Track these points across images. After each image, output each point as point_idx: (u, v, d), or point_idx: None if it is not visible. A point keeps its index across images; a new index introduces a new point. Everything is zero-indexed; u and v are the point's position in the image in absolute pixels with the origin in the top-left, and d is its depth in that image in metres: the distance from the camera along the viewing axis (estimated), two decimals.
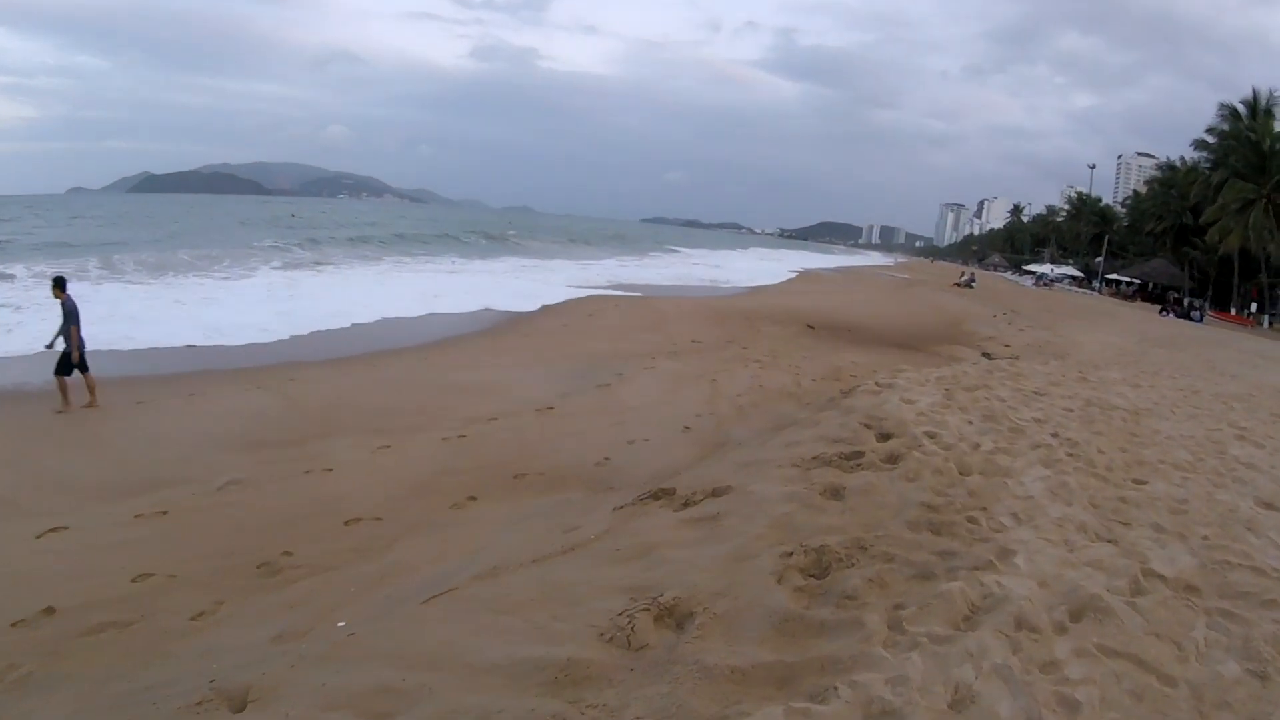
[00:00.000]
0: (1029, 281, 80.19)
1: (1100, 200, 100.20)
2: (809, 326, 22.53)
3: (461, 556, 5.88)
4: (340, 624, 4.71)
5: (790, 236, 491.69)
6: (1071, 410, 9.02)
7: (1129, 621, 3.97)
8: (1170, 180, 72.31)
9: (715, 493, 6.24)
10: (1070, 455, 7.01)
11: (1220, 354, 24.41)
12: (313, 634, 4.61)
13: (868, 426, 7.66)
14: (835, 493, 5.89)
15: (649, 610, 4.11)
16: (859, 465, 6.53)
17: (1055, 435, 7.65)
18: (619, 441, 9.55)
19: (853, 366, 16.50)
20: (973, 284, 57.00)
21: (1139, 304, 63.98)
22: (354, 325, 18.49)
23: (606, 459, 8.86)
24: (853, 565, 4.62)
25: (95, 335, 11.81)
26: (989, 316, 31.76)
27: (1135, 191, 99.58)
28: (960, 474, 6.29)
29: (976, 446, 7.05)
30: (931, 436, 7.20)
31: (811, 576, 4.57)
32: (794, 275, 54.68)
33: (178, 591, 5.66)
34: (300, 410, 10.75)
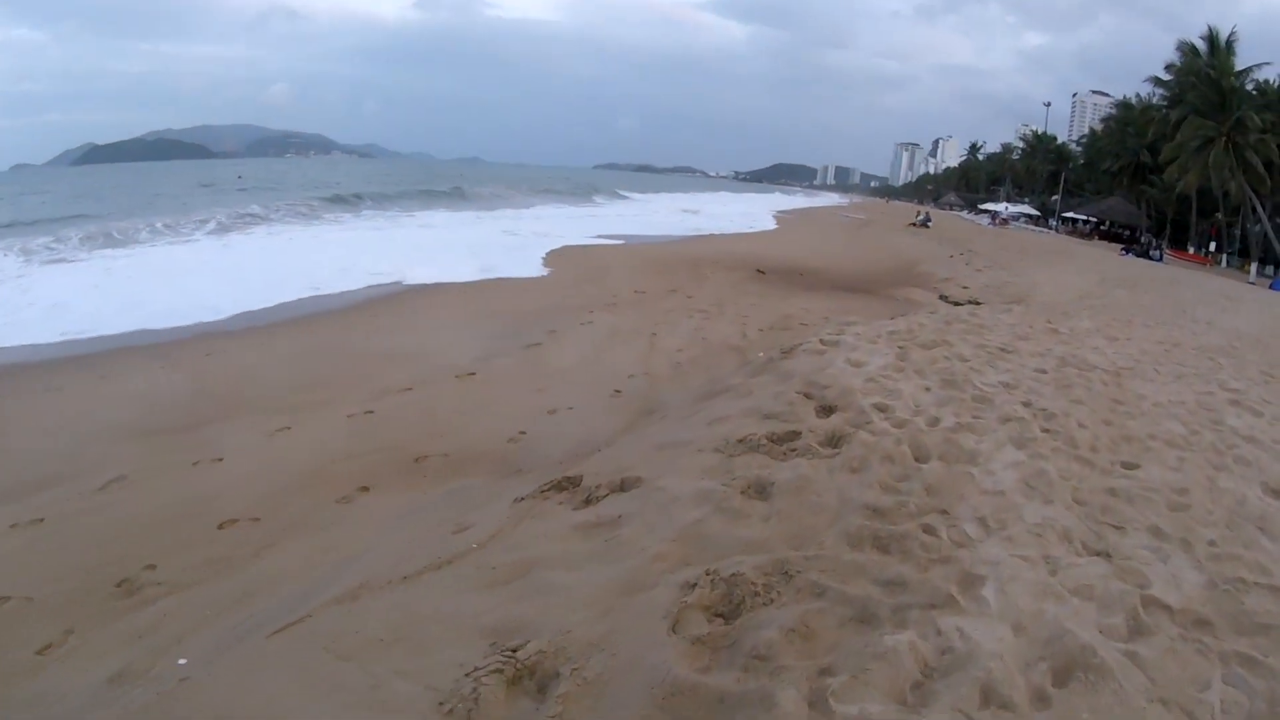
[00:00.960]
0: (985, 220, 79.09)
1: (1056, 138, 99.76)
2: (759, 271, 21.28)
3: (333, 565, 5.07)
4: (181, 661, 4.03)
5: (745, 179, 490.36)
6: (1044, 372, 7.81)
7: (1129, 682, 2.97)
8: (1127, 118, 71.35)
9: (623, 485, 5.17)
10: (1046, 431, 5.91)
11: (1185, 294, 23.55)
12: (151, 674, 3.99)
13: (807, 397, 6.50)
14: (761, 490, 4.77)
15: (502, 670, 3.18)
16: (793, 450, 5.37)
17: (1028, 404, 6.52)
18: (539, 411, 8.60)
19: (803, 314, 15.43)
20: (928, 224, 55.70)
21: (1096, 242, 63.59)
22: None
23: (522, 433, 7.88)
24: (771, 602, 3.53)
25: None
26: (945, 257, 30.71)
27: (1091, 129, 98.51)
28: (916, 460, 5.16)
29: (935, 422, 5.89)
30: (882, 410, 6.06)
31: (718, 617, 3.51)
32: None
33: (31, 619, 4.84)
34: (208, 389, 9.57)
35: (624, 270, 20.14)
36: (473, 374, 10.18)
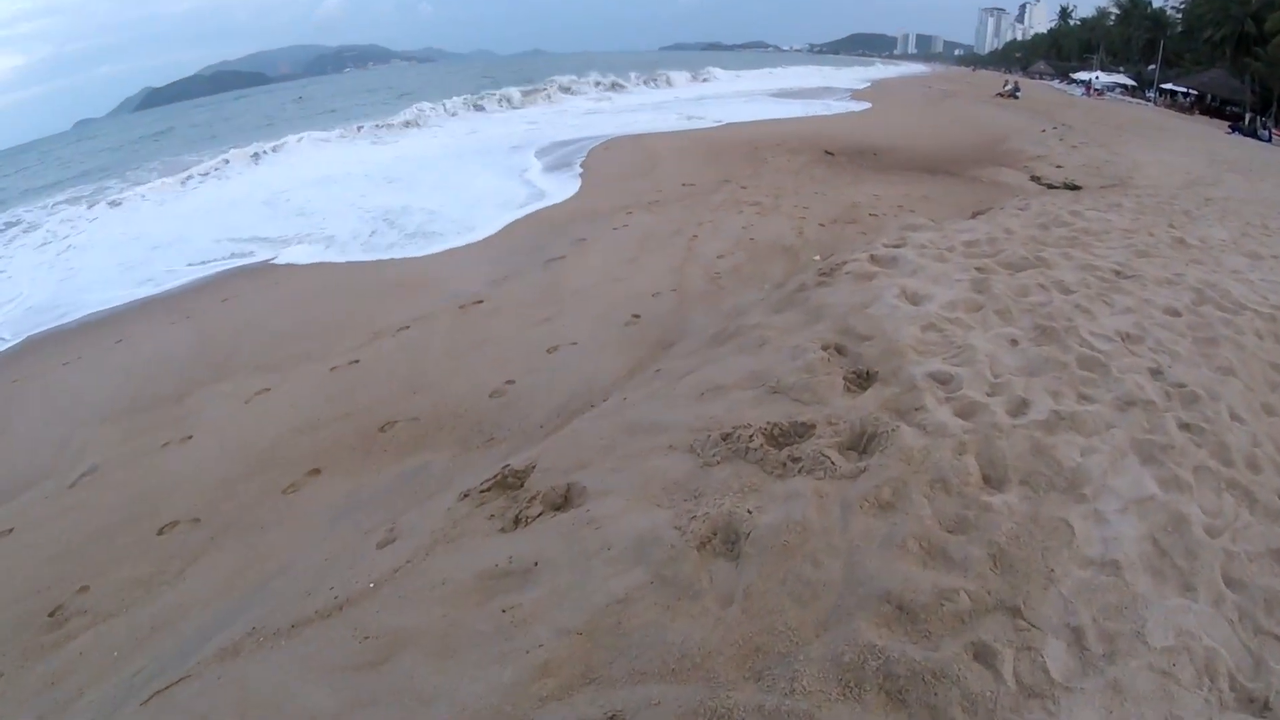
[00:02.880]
0: (1078, 91, 72.63)
1: (1151, 3, 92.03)
2: (827, 153, 18.44)
3: (249, 589, 4.39)
4: None
5: (820, 51, 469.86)
6: (1177, 314, 5.26)
7: None
8: None
9: (566, 497, 3.84)
10: (1186, 429, 3.78)
11: None
12: None
13: (839, 352, 4.57)
14: (730, 543, 3.04)
15: None
16: (797, 461, 3.49)
17: (1158, 374, 4.34)
18: (538, 349, 7.16)
19: (873, 202, 13.07)
20: (1017, 94, 50.43)
21: (1198, 117, 58.14)
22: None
23: (509, 383, 6.53)
24: None
25: None
26: (1037, 131, 27.15)
27: None
28: (985, 483, 3.26)
29: (1022, 408, 3.87)
30: (943, 383, 4.10)
31: None
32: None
33: None
34: (208, 345, 8.71)
35: (674, 161, 17.75)
36: (480, 302, 8.85)
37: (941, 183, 15.86)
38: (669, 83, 54.71)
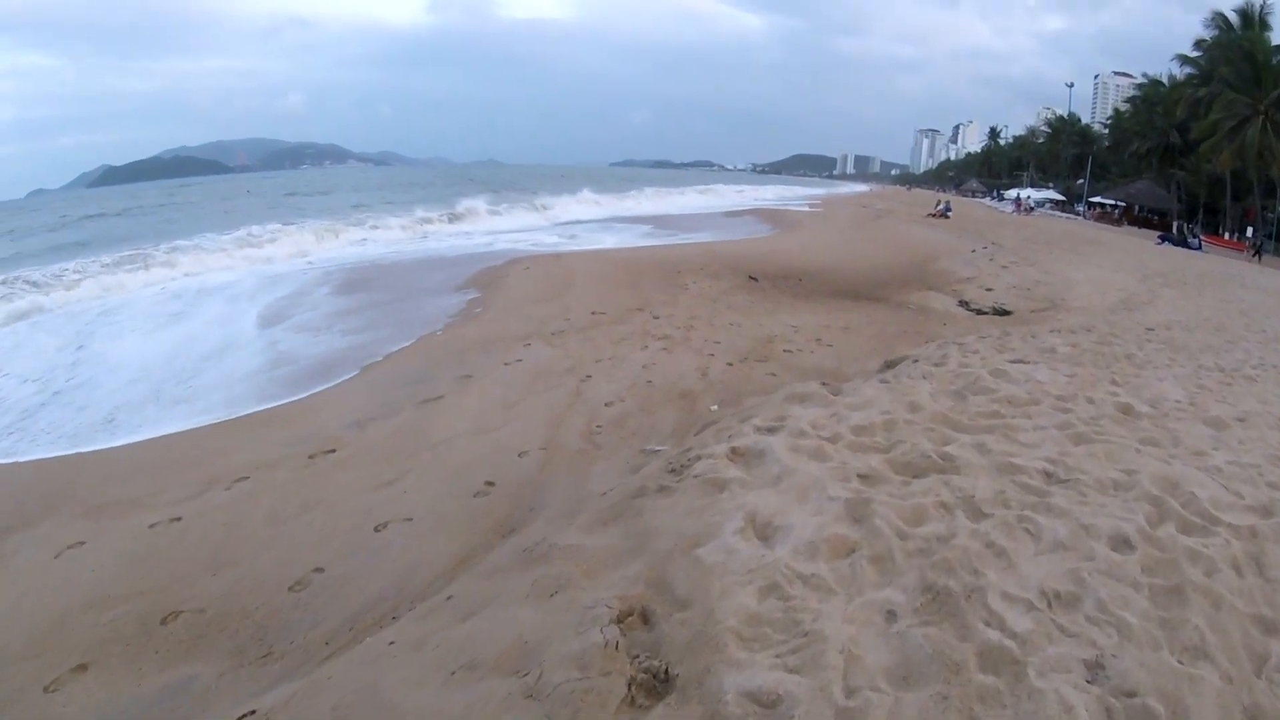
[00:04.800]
0: (1009, 207, 73.62)
1: (1079, 120, 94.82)
2: (750, 278, 17.34)
3: None
4: None
5: (763, 171, 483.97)
6: (1129, 548, 3.57)
7: None
8: (1153, 96, 65.69)
9: None
10: None
11: (1244, 296, 19.18)
12: None
13: (644, 620, 3.03)
14: None
15: None
16: None
17: (1097, 673, 2.69)
18: (366, 524, 5.91)
19: (790, 335, 11.89)
20: (948, 213, 49.90)
21: (1127, 228, 58.90)
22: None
23: (319, 571, 5.34)
24: None
25: None
26: (967, 251, 26.41)
27: (1116, 110, 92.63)
28: None
29: None
30: (767, 707, 2.50)
31: None
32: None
33: None
34: (43, 474, 7.59)
35: (590, 284, 16.46)
36: (332, 451, 7.48)
37: (865, 310, 14.80)
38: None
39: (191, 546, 5.89)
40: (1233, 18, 49.28)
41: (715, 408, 8.08)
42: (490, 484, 6.47)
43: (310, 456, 7.33)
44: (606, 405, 8.38)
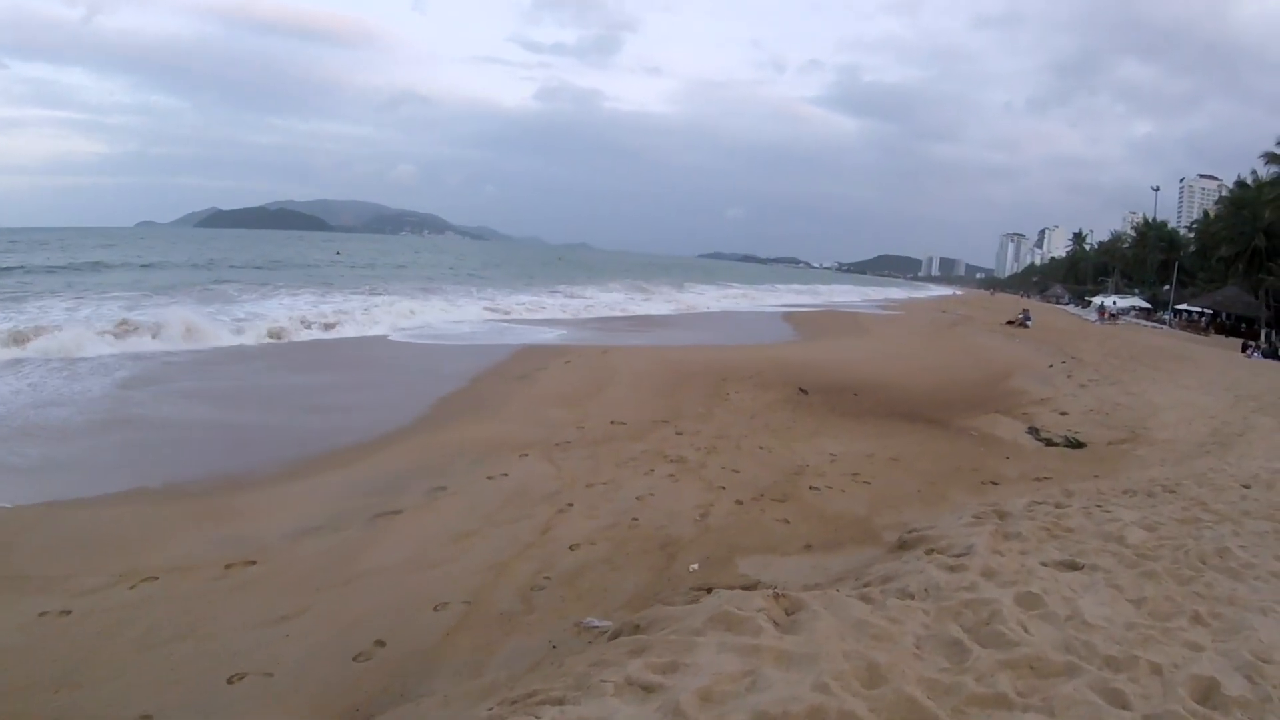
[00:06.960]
0: (1092, 316, 70.47)
1: (1166, 224, 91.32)
2: (801, 390, 15.60)
3: None
4: None
5: (848, 270, 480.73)
6: None
7: None
8: (1241, 200, 63.09)
9: None
10: None
11: None
12: None
13: None
14: None
15: None
16: None
17: None
18: (225, 670, 4.96)
19: (825, 466, 10.13)
20: (1028, 322, 47.21)
21: (1213, 336, 55.40)
22: None
23: (145, 718, 4.52)
24: None
25: None
26: (1044, 367, 24.05)
27: (1205, 212, 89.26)
28: None
29: None
30: None
31: None
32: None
33: None
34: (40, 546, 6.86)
35: (625, 387, 15.07)
36: (253, 563, 6.58)
37: (921, 435, 12.88)
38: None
39: (58, 650, 5.25)
40: None
41: (695, 567, 6.67)
42: (380, 644, 5.32)
43: (227, 566, 6.50)
44: (571, 549, 6.99)
